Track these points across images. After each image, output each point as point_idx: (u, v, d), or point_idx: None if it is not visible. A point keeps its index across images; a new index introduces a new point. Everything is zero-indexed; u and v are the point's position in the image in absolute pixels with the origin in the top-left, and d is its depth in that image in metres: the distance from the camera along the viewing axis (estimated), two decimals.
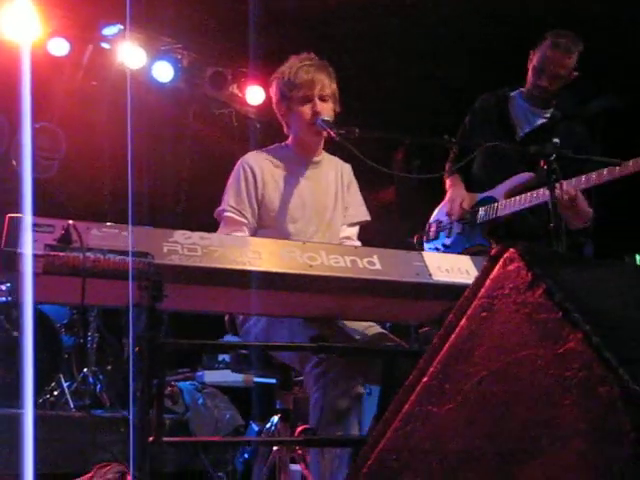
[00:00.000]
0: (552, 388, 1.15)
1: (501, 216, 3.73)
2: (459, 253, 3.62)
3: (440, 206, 4.11)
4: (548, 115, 3.88)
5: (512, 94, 3.97)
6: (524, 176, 3.74)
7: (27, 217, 2.07)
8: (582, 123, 3.90)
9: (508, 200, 3.73)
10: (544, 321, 1.20)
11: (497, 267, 1.29)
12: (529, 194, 3.62)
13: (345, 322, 2.75)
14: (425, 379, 1.31)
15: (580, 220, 3.62)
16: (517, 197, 3.69)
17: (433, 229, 4.06)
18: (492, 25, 5.79)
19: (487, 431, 1.19)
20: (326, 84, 3.01)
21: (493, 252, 1.34)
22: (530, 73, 3.83)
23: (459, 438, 1.22)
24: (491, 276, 1.29)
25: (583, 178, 3.45)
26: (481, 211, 3.81)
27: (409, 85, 6.32)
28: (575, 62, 3.74)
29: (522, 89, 3.93)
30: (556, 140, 3.62)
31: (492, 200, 3.81)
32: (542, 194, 3.52)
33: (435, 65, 6.18)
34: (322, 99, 3.00)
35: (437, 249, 3.91)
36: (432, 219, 4.12)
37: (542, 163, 2.82)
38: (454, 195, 3.93)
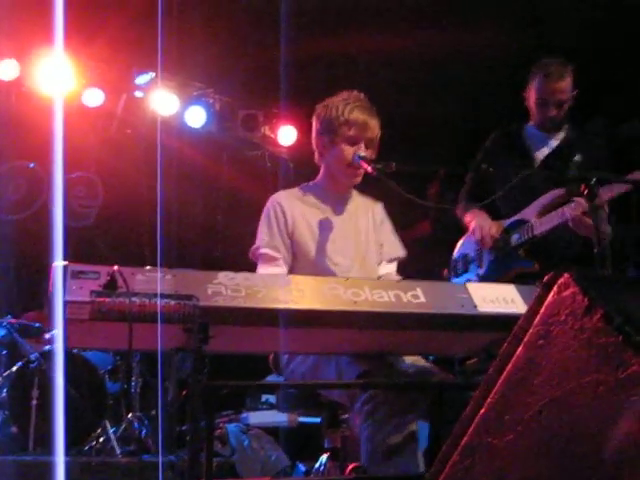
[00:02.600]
0: (617, 414, 1.13)
1: (537, 235, 3.65)
2: (498, 280, 3.54)
3: (462, 240, 4.06)
4: (562, 136, 3.90)
5: (525, 127, 3.99)
6: (553, 193, 3.70)
7: (59, 264, 2.09)
8: (595, 137, 3.88)
9: (542, 218, 3.67)
10: (604, 346, 1.18)
11: (551, 294, 1.27)
12: (564, 208, 3.54)
13: (392, 357, 2.72)
14: (483, 410, 1.29)
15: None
16: (551, 213, 3.62)
17: (460, 264, 4.01)
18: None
19: (551, 462, 1.17)
20: (376, 131, 3.02)
21: (546, 279, 1.32)
22: (534, 109, 3.87)
23: (522, 470, 1.19)
24: (546, 303, 1.27)
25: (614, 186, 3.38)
26: (514, 235, 3.75)
27: (440, 121, 6.34)
28: (571, 82, 3.79)
29: (531, 123, 3.97)
30: (577, 158, 3.70)
31: (523, 222, 3.75)
32: (575, 207, 3.47)
33: (466, 100, 6.20)
34: (367, 145, 3.00)
35: (469, 281, 3.82)
36: (456, 254, 4.07)
37: (583, 188, 2.78)
38: (481, 223, 3.86)
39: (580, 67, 3.85)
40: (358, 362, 2.60)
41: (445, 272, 4.13)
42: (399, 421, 2.49)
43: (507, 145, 3.98)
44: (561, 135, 3.90)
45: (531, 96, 3.86)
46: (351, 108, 3.00)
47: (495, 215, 3.91)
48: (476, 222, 3.87)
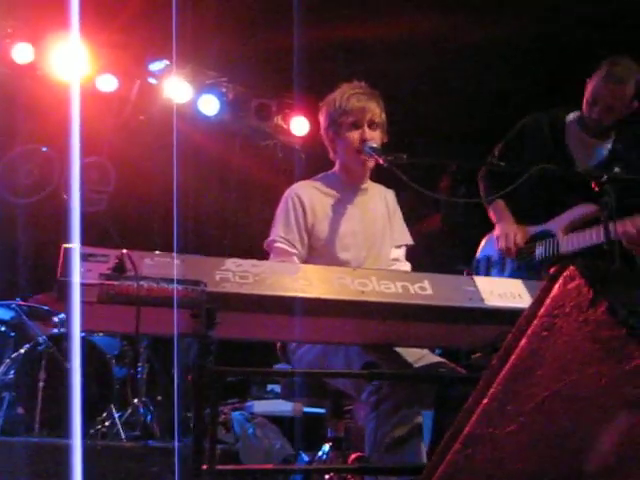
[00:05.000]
0: (619, 406, 1.13)
1: (562, 253, 3.49)
2: None
3: (487, 239, 3.91)
4: (608, 147, 3.63)
5: (568, 120, 3.70)
6: (585, 208, 3.51)
7: (76, 247, 2.10)
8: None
9: (570, 236, 3.50)
10: (608, 339, 1.18)
11: (557, 285, 1.27)
12: (594, 230, 3.35)
13: (401, 349, 2.73)
14: (485, 401, 1.29)
15: None
16: (580, 233, 3.45)
17: (482, 266, 3.86)
18: (542, 48, 5.79)
19: (552, 453, 1.17)
20: (376, 113, 3.03)
21: (552, 270, 1.32)
22: (584, 102, 3.58)
23: (522, 460, 1.20)
24: (551, 295, 1.27)
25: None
26: (539, 247, 3.60)
27: (454, 113, 6.33)
28: (632, 92, 3.48)
29: (579, 113, 3.66)
30: (616, 170, 3.28)
31: (549, 234, 3.59)
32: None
33: (479, 89, 6.19)
34: (371, 127, 3.01)
35: None
36: (480, 254, 3.92)
37: (593, 185, 2.75)
38: (506, 230, 3.67)
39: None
40: (366, 353, 2.60)
41: (466, 272, 3.97)
42: (405, 413, 2.51)
43: (548, 139, 3.69)
44: (606, 146, 3.64)
45: (588, 88, 3.55)
46: (347, 97, 3.04)
47: (524, 214, 3.73)
48: (501, 229, 3.70)
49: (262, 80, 7.06)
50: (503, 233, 3.69)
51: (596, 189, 2.75)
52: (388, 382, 2.53)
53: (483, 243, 3.95)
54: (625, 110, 3.54)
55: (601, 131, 3.62)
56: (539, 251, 3.62)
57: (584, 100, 3.59)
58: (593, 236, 3.35)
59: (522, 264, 3.67)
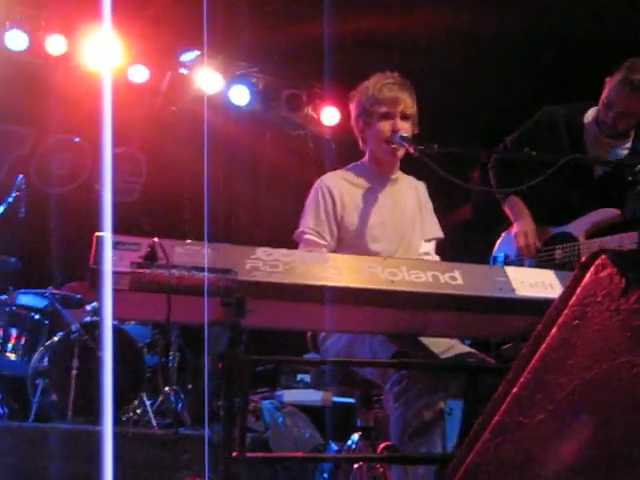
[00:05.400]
0: None
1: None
2: None
3: (503, 237, 3.82)
4: (627, 146, 3.55)
5: (586, 118, 3.58)
6: (608, 212, 3.47)
7: (108, 236, 2.12)
8: None
9: (592, 241, 3.43)
10: (639, 328, 1.17)
11: (589, 274, 1.26)
12: (617, 237, 3.30)
13: (429, 339, 2.73)
14: (515, 390, 1.29)
15: None
16: (602, 239, 3.39)
17: (499, 263, 3.74)
18: (569, 41, 5.73)
19: (582, 442, 1.17)
20: (408, 104, 3.01)
21: (584, 259, 1.31)
22: (600, 102, 3.49)
23: (552, 450, 1.19)
24: (582, 284, 1.26)
25: None
26: (558, 250, 3.53)
27: (484, 104, 6.29)
28: None
29: (596, 111, 3.55)
30: (637, 169, 3.30)
31: (570, 238, 3.54)
32: (631, 237, 3.17)
33: (508, 82, 6.14)
34: (403, 118, 3.00)
35: None
36: (496, 252, 3.83)
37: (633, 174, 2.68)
38: (525, 228, 3.60)
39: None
40: (392, 342, 2.60)
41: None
42: (428, 400, 2.51)
43: (565, 137, 3.58)
44: (625, 146, 3.55)
45: (605, 89, 3.45)
46: (380, 87, 3.02)
47: (540, 210, 3.66)
48: (520, 226, 3.63)
49: (293, 70, 7.07)
50: (522, 231, 3.62)
51: (629, 179, 2.71)
52: (411, 372, 2.53)
53: (500, 241, 3.87)
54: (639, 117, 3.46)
55: (617, 133, 3.53)
56: (558, 254, 3.56)
57: (600, 99, 3.50)
58: (615, 242, 3.29)
59: (541, 265, 3.56)
